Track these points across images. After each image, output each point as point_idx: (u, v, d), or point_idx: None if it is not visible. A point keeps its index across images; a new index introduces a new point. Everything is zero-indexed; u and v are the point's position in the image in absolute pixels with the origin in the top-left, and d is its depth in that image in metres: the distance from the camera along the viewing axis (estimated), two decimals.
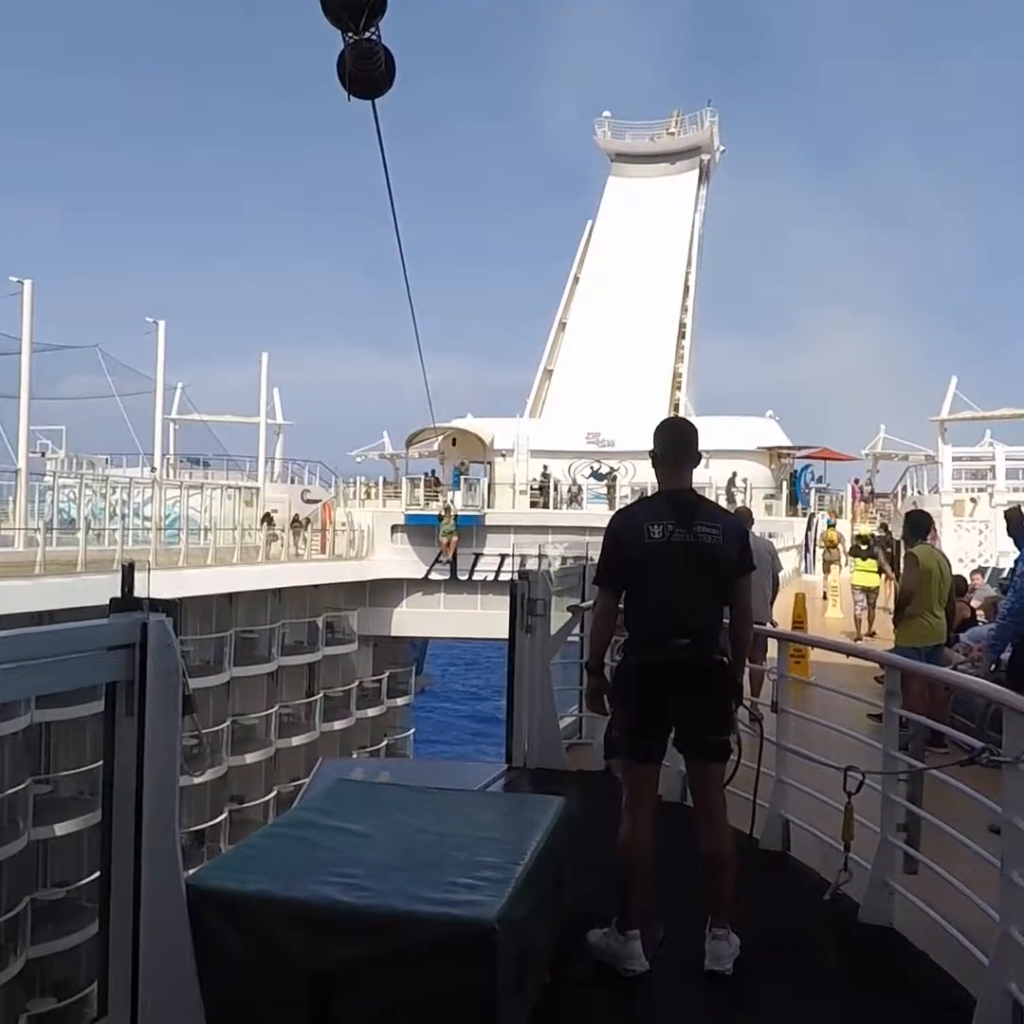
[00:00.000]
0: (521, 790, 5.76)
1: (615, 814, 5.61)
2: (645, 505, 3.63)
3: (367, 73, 3.32)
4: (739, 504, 33.60)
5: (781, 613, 13.66)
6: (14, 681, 2.57)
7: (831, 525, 23.95)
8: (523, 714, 6.08)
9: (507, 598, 7.04)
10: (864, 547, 15.55)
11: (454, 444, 37.11)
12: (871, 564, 15.08)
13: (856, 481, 35.37)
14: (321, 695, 29.71)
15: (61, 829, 18.19)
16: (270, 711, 28.29)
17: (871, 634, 13.94)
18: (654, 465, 3.70)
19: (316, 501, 34.38)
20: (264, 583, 27.90)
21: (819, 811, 4.54)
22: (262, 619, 28.24)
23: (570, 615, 6.82)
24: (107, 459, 33.28)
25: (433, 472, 36.61)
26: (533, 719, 6.07)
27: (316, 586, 30.20)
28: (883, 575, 15.27)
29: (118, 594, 2.84)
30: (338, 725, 30.01)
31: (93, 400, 30.48)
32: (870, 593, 14.76)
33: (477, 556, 32.34)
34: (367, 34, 3.18)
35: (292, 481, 35.95)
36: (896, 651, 6.96)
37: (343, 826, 3.28)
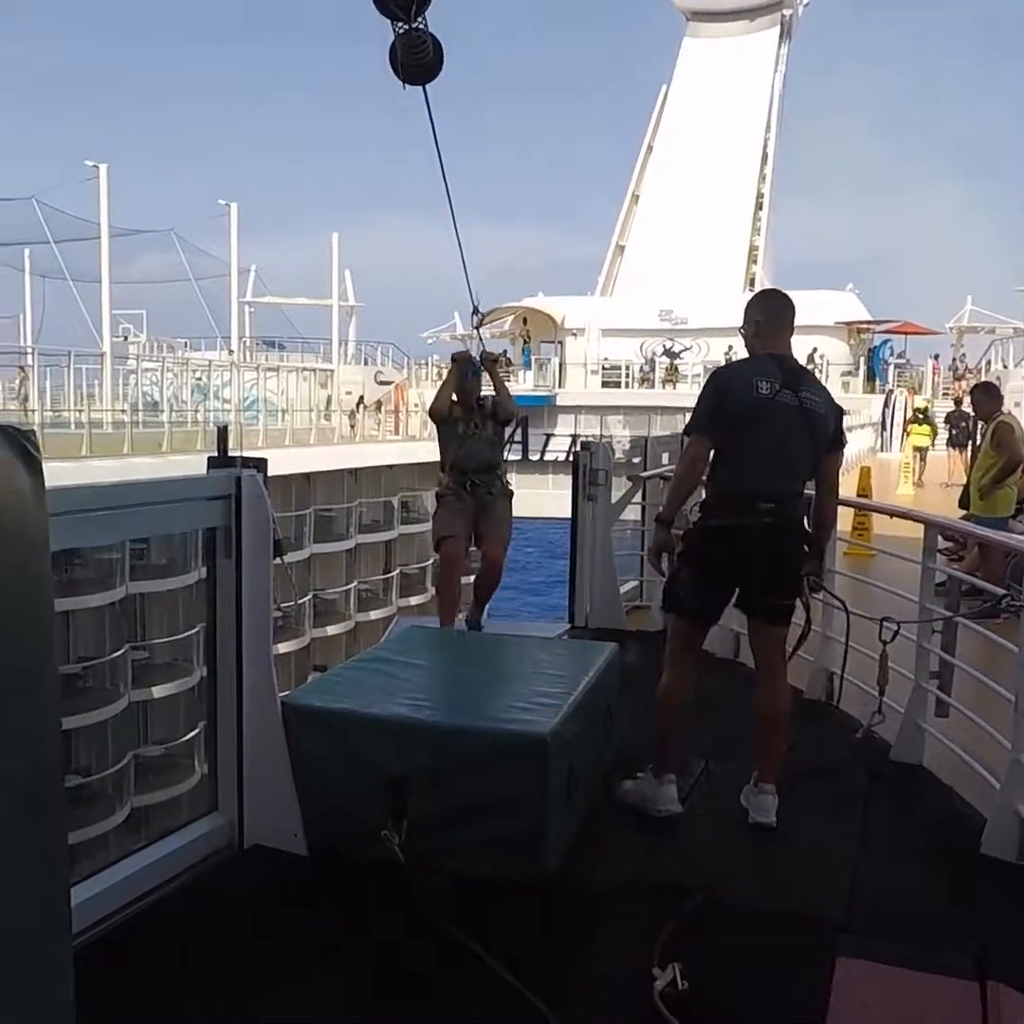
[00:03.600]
0: (582, 641, 6.16)
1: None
2: (752, 363, 3.55)
3: (418, 61, 3.45)
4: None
5: (845, 488, 13.66)
6: (133, 522, 2.99)
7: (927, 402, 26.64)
8: (584, 577, 6.44)
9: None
10: (921, 415, 21.55)
11: (525, 323, 36.92)
12: (925, 429, 20.54)
13: (936, 357, 34.33)
14: (398, 571, 30.68)
15: (158, 692, 19.49)
16: (349, 586, 29.36)
17: (919, 484, 17.88)
18: (753, 333, 3.59)
19: (389, 383, 34.76)
20: (341, 463, 28.59)
21: (864, 665, 4.82)
22: (339, 498, 29.05)
23: (630, 484, 7.09)
24: (186, 342, 34.01)
25: (504, 352, 36.58)
26: (594, 582, 6.42)
27: (391, 466, 30.84)
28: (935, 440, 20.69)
29: (213, 456, 3.21)
30: (414, 600, 30.98)
31: (170, 284, 31.00)
32: (922, 451, 19.76)
33: (548, 436, 32.52)
34: (416, 23, 3.29)
35: (365, 363, 36.31)
36: (985, 520, 7.07)
37: (414, 662, 3.70)
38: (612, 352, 35.68)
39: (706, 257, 36.92)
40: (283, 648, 25.73)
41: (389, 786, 3.02)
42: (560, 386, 34.46)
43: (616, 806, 3.70)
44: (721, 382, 3.48)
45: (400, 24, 3.17)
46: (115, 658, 18.02)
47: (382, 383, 35.15)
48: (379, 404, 31.81)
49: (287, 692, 3.32)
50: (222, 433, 3.21)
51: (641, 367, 35.16)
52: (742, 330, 3.67)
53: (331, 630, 28.24)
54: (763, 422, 3.37)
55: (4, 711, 1.42)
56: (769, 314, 3.60)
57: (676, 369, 34.57)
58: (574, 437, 30.98)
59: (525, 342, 35.77)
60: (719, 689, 5.22)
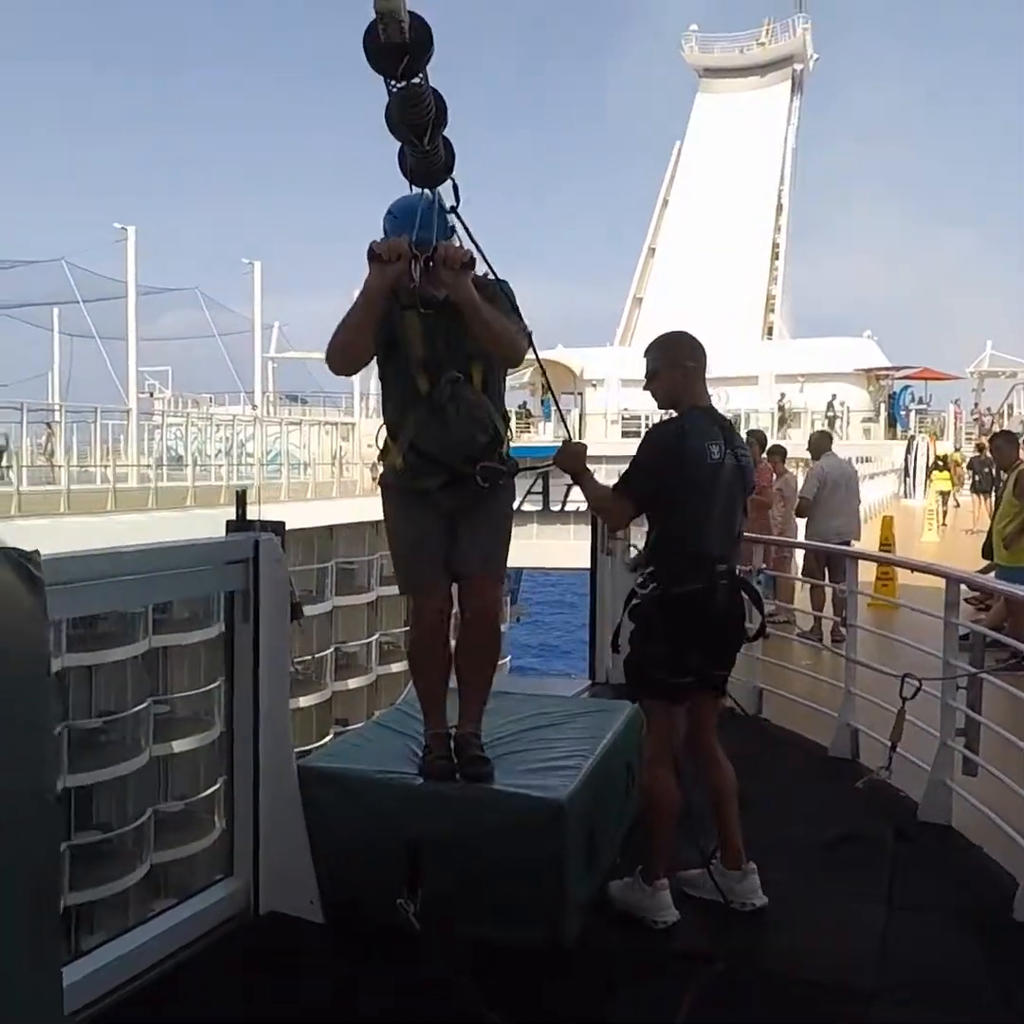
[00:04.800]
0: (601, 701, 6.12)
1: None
2: (697, 422, 3.16)
3: (429, 166, 3.01)
4: (835, 428, 32.99)
5: (867, 538, 13.61)
6: (152, 588, 3.02)
7: (956, 451, 28.52)
8: (604, 632, 6.40)
9: None
10: (941, 463, 23.40)
11: (544, 375, 37.17)
12: (945, 474, 22.20)
13: (957, 402, 34.25)
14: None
15: (179, 746, 19.45)
16: (371, 639, 29.38)
17: (943, 524, 18.87)
18: (679, 378, 3.23)
19: None
20: (362, 516, 28.70)
21: (888, 721, 4.75)
22: (361, 551, 29.14)
23: None
24: (211, 398, 34.46)
25: (524, 404, 36.83)
26: (616, 637, 6.38)
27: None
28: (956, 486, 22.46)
29: (231, 520, 3.24)
30: None
31: (195, 340, 31.50)
32: (945, 495, 21.47)
33: (569, 487, 32.45)
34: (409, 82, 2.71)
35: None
36: (1009, 571, 7.01)
37: None
38: (632, 402, 35.79)
39: (723, 307, 37.20)
40: (304, 702, 25.68)
41: (404, 852, 3.00)
42: (580, 436, 34.58)
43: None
44: (674, 447, 3.12)
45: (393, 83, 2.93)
46: (138, 712, 18.05)
47: None
48: None
49: (304, 754, 3.31)
50: (240, 497, 3.22)
51: (661, 417, 35.25)
52: (658, 375, 3.27)
53: (352, 683, 28.14)
54: (716, 488, 3.16)
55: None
56: (699, 359, 3.28)
57: None
58: None
59: (545, 393, 35.97)
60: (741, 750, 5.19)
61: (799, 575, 8.81)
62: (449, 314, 3.06)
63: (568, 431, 4.51)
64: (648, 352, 3.37)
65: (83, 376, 28.51)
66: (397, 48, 2.58)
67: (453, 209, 3.19)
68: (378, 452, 3.49)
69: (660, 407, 3.36)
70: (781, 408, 33.16)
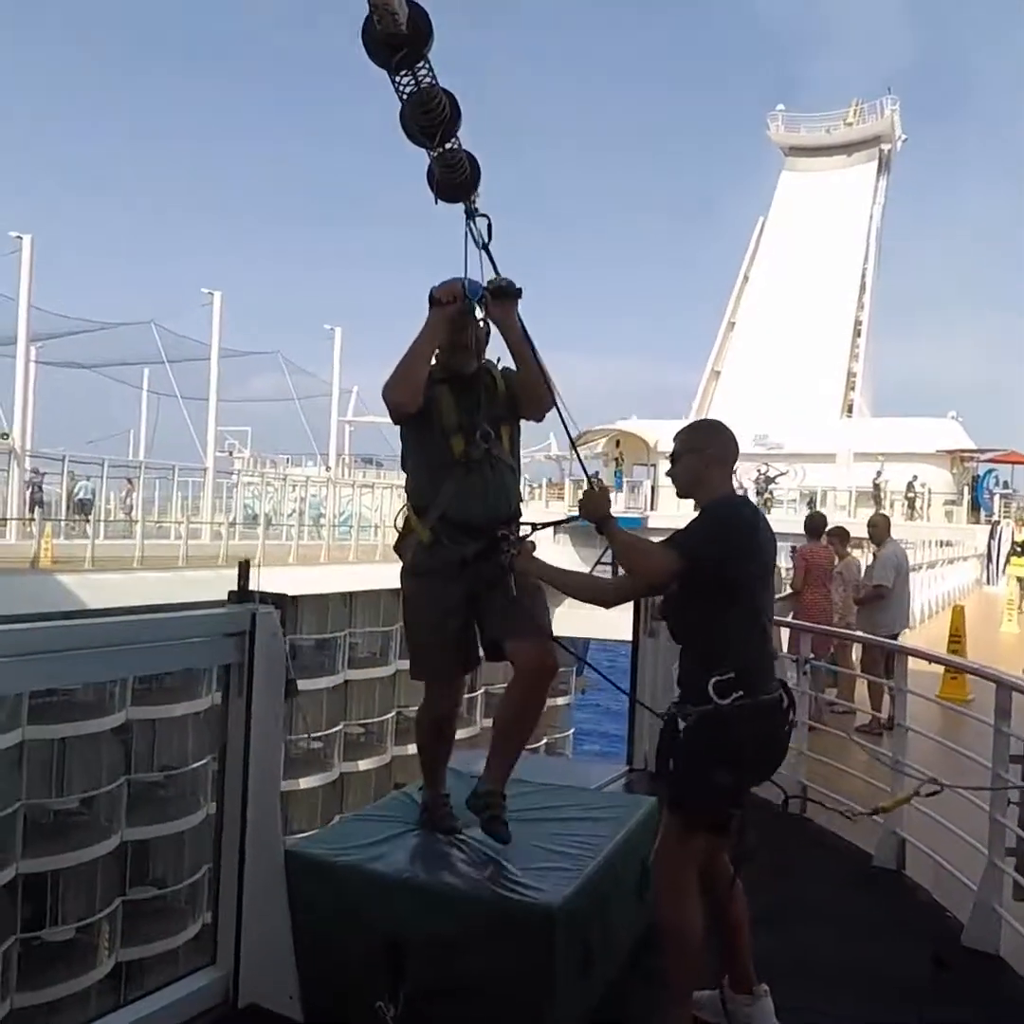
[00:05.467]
0: (637, 792, 5.85)
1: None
2: (748, 508, 2.92)
3: (453, 180, 3.08)
4: (916, 509, 32.09)
5: (936, 630, 13.07)
6: (142, 659, 2.95)
7: None
8: (644, 716, 6.15)
9: None
10: (1020, 548, 23.44)
11: (618, 446, 37.16)
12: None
13: None
14: (483, 690, 30.38)
15: (155, 831, 19.31)
16: None
17: None
18: (703, 467, 2.93)
19: None
20: None
21: (935, 831, 4.43)
22: None
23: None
24: (288, 458, 35.21)
25: (596, 474, 36.74)
26: (654, 722, 6.12)
27: None
28: None
29: (233, 590, 3.17)
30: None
31: (275, 403, 32.32)
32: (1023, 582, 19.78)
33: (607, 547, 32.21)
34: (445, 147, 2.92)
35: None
36: None
37: None
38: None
39: (802, 383, 36.82)
40: (364, 765, 25.64)
41: (387, 951, 2.83)
42: (652, 508, 34.29)
43: (644, 983, 3.39)
44: (747, 519, 2.79)
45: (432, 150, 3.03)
46: (196, 768, 17.85)
47: None
48: None
49: (294, 839, 3.18)
50: (243, 567, 3.16)
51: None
52: (681, 459, 3.00)
53: (412, 749, 27.95)
54: (766, 586, 2.86)
55: None
56: (726, 448, 2.99)
57: (772, 494, 34.08)
58: None
59: (618, 464, 35.91)
60: (779, 852, 4.89)
61: (858, 667, 8.38)
62: (478, 386, 3.25)
63: (588, 477, 4.24)
64: (677, 436, 3.16)
65: (166, 435, 29.43)
66: (396, 39, 2.54)
67: (485, 246, 3.21)
68: (397, 535, 3.43)
69: (678, 494, 3.11)
70: (877, 487, 32.27)
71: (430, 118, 2.82)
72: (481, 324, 3.29)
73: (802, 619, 7.90)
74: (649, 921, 3.65)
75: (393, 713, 27.18)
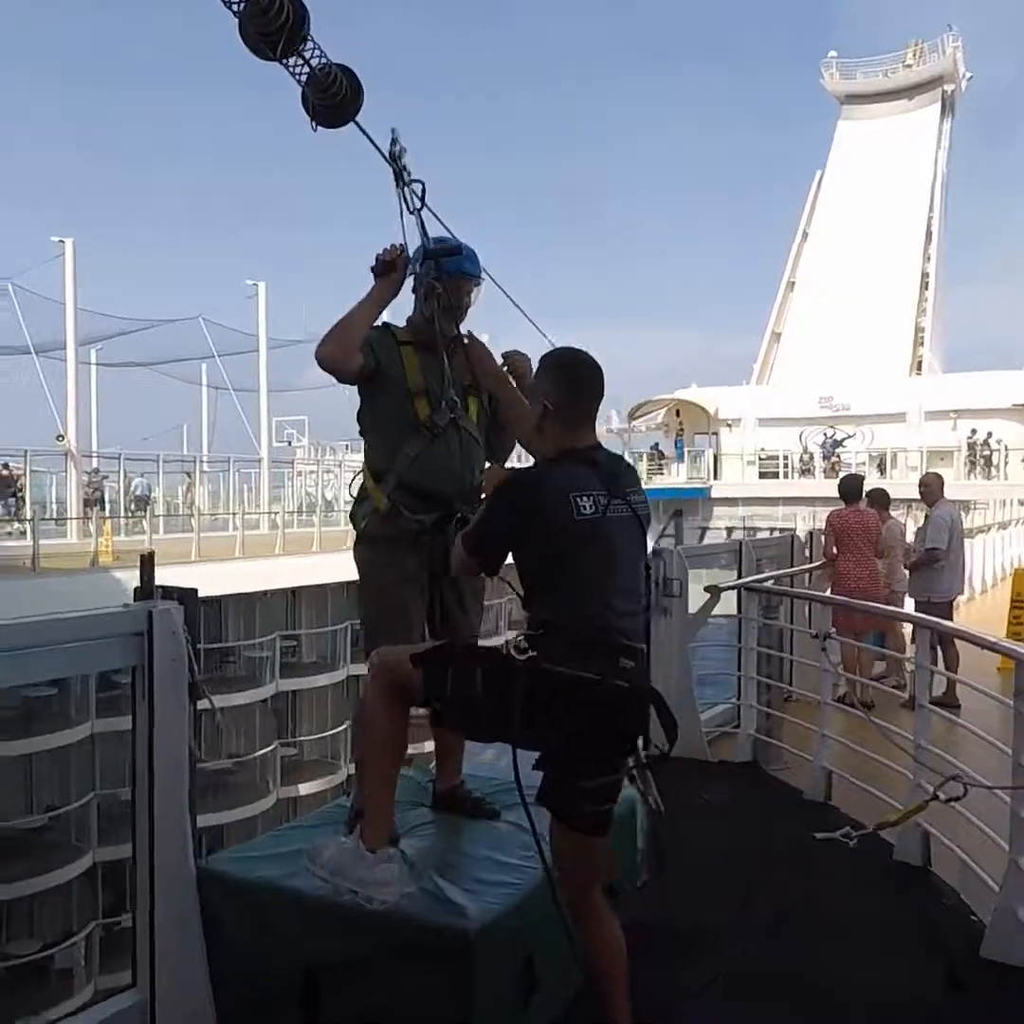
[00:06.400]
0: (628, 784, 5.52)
1: (746, 804, 5.28)
2: (563, 470, 2.49)
3: (330, 101, 2.83)
4: (992, 466, 30.78)
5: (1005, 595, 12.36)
6: (30, 664, 2.73)
7: None
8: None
9: (733, 572, 6.73)
10: None
11: (677, 416, 36.43)
12: None
13: None
14: None
15: (305, 789, 19.57)
16: None
17: None
18: (545, 417, 2.54)
19: None
20: None
21: (962, 827, 3.99)
22: (490, 594, 29.03)
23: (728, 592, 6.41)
24: (346, 445, 35.30)
25: (656, 445, 36.13)
26: (669, 704, 5.76)
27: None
28: None
29: (137, 587, 2.93)
30: None
31: (329, 390, 32.32)
32: None
33: (703, 530, 31.59)
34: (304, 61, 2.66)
35: (519, 458, 36.51)
36: None
37: None
38: (769, 442, 34.59)
39: (868, 341, 35.54)
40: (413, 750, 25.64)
41: (303, 975, 2.57)
42: (715, 478, 33.61)
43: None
44: (526, 499, 2.45)
45: (300, 68, 2.75)
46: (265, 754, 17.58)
47: None
48: None
49: (219, 855, 2.93)
50: (145, 560, 2.92)
51: (801, 457, 33.85)
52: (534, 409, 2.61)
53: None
54: (595, 555, 2.43)
55: None
56: (573, 390, 2.55)
57: (839, 458, 33.08)
58: (729, 529, 30.01)
59: (678, 434, 35.23)
60: (797, 841, 4.52)
61: (908, 640, 7.85)
62: (445, 352, 3.10)
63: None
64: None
65: (223, 428, 29.76)
66: None
67: (417, 211, 3.02)
68: (352, 504, 3.29)
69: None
70: (972, 446, 30.93)
71: (269, 21, 2.49)
72: (475, 289, 3.18)
73: (837, 590, 7.45)
74: (623, 921, 3.34)
75: None
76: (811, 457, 33.52)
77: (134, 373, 26.96)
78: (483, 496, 2.78)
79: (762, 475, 33.79)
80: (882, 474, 29.87)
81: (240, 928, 2.76)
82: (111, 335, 24.27)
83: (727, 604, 6.44)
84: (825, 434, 34.66)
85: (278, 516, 23.03)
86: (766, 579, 6.38)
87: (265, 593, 18.97)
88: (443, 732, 3.26)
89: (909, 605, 7.78)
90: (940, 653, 6.81)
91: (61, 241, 20.30)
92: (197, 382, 29.04)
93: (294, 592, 21.95)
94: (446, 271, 3.03)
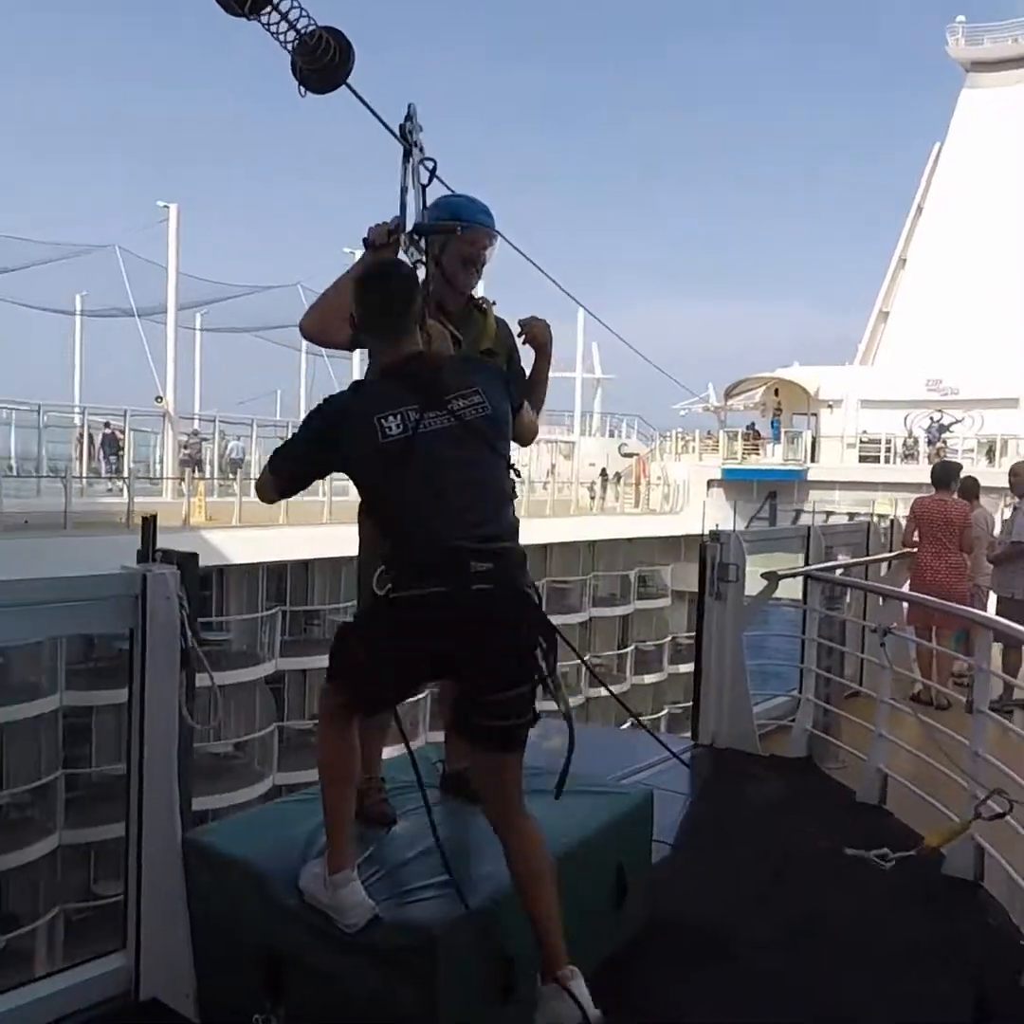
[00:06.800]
0: (700, 769, 5.33)
1: (791, 802, 5.02)
2: (374, 390, 2.51)
3: (317, 65, 2.67)
4: None
5: None
6: (24, 622, 2.73)
7: None
8: (710, 688, 5.59)
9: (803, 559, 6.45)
10: None
11: (776, 394, 35.40)
12: None
13: None
14: (633, 648, 29.95)
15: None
16: (580, 662, 29.03)
17: None
18: (356, 340, 2.66)
19: (633, 455, 34.48)
20: (577, 535, 28.46)
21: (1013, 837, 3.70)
22: (575, 570, 28.90)
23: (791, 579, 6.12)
24: None
25: (752, 425, 35.22)
26: (722, 694, 5.56)
27: (630, 540, 30.33)
28: None
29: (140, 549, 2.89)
30: (649, 678, 30.11)
31: None
32: None
33: (798, 512, 30.78)
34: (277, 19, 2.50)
35: (610, 434, 36.23)
36: None
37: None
38: (872, 425, 33.35)
39: (982, 323, 33.80)
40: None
41: (267, 962, 2.50)
42: (812, 460, 32.59)
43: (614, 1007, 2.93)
44: (327, 430, 2.44)
45: (287, 34, 2.60)
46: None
47: (626, 455, 34.90)
48: (618, 476, 31.54)
49: (201, 827, 2.88)
50: (147, 523, 2.87)
51: (905, 441, 32.56)
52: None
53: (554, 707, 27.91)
54: (407, 467, 2.34)
55: None
56: (379, 305, 2.49)
57: (945, 443, 31.73)
58: (827, 513, 29.12)
59: (776, 414, 34.28)
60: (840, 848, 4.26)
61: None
62: (457, 319, 3.01)
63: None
64: None
65: (317, 394, 30.22)
66: None
67: (424, 187, 2.91)
68: None
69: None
70: None
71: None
72: (487, 250, 3.04)
73: (914, 582, 7.08)
74: (630, 936, 3.19)
75: (632, 647, 27.64)
76: (915, 442, 32.21)
77: (236, 337, 27.51)
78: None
79: (862, 459, 32.62)
80: (991, 462, 28.51)
81: (218, 901, 2.72)
82: (213, 300, 24.76)
83: (794, 593, 6.17)
84: (931, 418, 33.26)
85: None
86: (832, 567, 6.06)
87: (352, 558, 19.24)
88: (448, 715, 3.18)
89: (992, 601, 7.34)
90: None
91: (166, 206, 20.77)
92: (295, 347, 29.49)
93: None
94: (465, 222, 2.94)
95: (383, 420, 2.34)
